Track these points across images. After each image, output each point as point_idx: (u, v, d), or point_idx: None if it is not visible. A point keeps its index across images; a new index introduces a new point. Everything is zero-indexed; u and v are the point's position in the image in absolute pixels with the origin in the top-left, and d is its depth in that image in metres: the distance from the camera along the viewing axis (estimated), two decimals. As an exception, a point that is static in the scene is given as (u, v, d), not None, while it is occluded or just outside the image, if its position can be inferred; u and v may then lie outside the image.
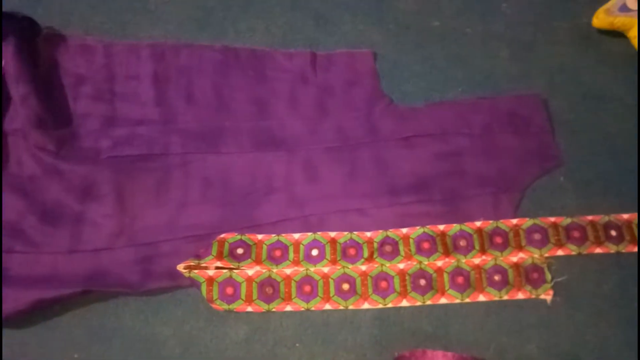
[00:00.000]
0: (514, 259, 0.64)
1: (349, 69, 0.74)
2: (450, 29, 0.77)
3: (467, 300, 0.62)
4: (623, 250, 0.64)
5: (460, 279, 0.62)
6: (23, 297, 0.58)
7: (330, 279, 0.62)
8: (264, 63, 0.75)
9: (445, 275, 0.62)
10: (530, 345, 0.60)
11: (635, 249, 0.64)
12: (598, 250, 0.64)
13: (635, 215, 0.65)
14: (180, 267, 0.61)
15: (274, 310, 0.61)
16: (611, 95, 0.72)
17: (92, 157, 0.67)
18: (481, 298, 0.62)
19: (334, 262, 0.63)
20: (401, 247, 0.64)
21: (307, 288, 0.62)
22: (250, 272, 0.63)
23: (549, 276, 0.62)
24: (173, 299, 0.62)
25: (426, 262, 0.63)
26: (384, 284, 0.62)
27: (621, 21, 0.72)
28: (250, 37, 0.77)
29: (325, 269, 0.63)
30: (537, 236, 0.64)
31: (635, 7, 0.72)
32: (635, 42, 0.73)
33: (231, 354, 0.60)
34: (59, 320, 0.61)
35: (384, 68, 0.75)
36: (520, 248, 0.64)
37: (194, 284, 0.61)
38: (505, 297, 0.62)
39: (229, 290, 0.61)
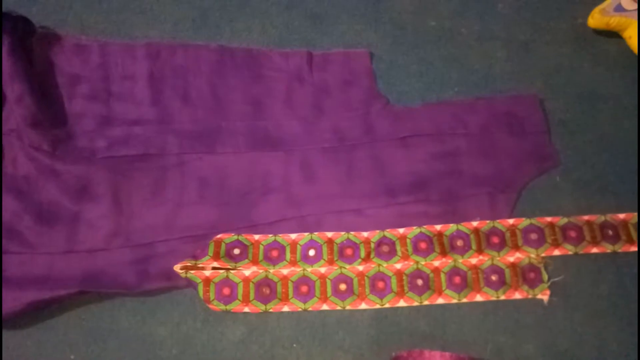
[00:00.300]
0: (511, 259, 0.64)
1: (345, 69, 0.74)
2: (447, 29, 0.77)
3: (464, 300, 0.62)
4: (619, 250, 0.64)
5: (457, 279, 0.62)
6: (19, 298, 0.58)
7: (327, 280, 0.62)
8: (260, 63, 0.74)
9: (442, 276, 0.63)
10: (528, 345, 0.60)
11: (632, 249, 0.64)
12: (594, 250, 0.64)
13: (632, 214, 0.65)
14: (177, 268, 0.61)
15: (271, 310, 0.61)
16: (607, 95, 0.72)
17: (88, 157, 0.67)
18: (478, 298, 0.62)
19: (331, 262, 0.63)
20: (398, 247, 0.64)
21: (304, 288, 0.62)
22: (247, 272, 0.62)
23: (545, 276, 0.63)
24: (170, 300, 0.62)
25: (423, 262, 0.63)
26: (381, 284, 0.62)
27: (616, 21, 0.73)
28: (246, 37, 0.76)
29: (323, 270, 0.63)
30: (533, 236, 0.64)
31: (631, 8, 0.72)
32: (630, 42, 0.74)
33: (228, 354, 0.60)
34: (55, 321, 0.60)
35: (380, 68, 0.75)
36: (517, 248, 0.64)
37: (190, 284, 0.61)
38: (502, 297, 0.62)
39: (226, 291, 0.61)
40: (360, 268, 0.63)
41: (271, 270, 0.63)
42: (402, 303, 0.61)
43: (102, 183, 0.66)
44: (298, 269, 0.63)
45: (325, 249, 0.63)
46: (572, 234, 0.64)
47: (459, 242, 0.64)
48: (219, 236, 0.64)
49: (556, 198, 0.67)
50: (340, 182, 0.67)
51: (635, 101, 0.72)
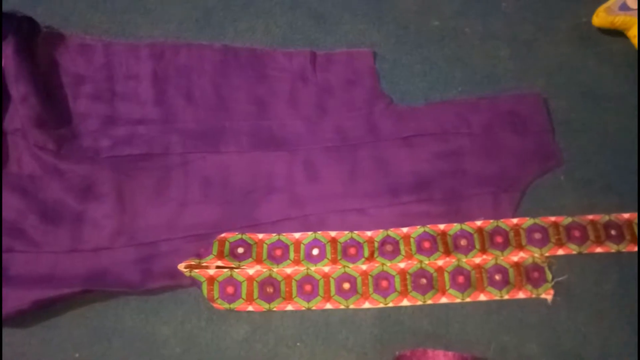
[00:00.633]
0: (515, 258, 0.64)
1: (348, 69, 0.74)
2: (450, 28, 0.77)
3: (468, 299, 0.62)
4: (623, 250, 0.64)
5: (460, 279, 0.62)
6: (23, 297, 0.58)
7: (330, 278, 0.62)
8: (264, 62, 0.75)
9: (446, 275, 0.62)
10: (531, 344, 0.60)
11: (636, 248, 0.64)
12: (598, 249, 0.64)
13: (636, 214, 0.65)
14: (181, 267, 0.61)
15: (274, 309, 0.61)
16: (611, 94, 0.72)
17: (92, 157, 0.67)
18: (482, 297, 0.62)
19: (334, 261, 0.63)
20: (402, 247, 0.64)
21: (308, 287, 0.62)
22: (250, 271, 0.62)
23: (549, 275, 0.62)
24: (173, 299, 0.62)
25: (427, 262, 0.63)
26: (384, 283, 0.62)
27: (621, 20, 0.72)
28: (250, 37, 0.76)
29: (326, 269, 0.63)
30: (537, 235, 0.64)
31: (636, 6, 0.72)
32: (635, 41, 0.73)
33: (232, 353, 0.60)
34: (59, 319, 0.61)
35: (383, 68, 0.75)
36: (520, 247, 0.64)
37: (194, 283, 0.61)
38: (506, 297, 0.62)
39: (230, 290, 0.61)
40: (364, 267, 0.63)
41: (275, 269, 0.63)
42: (405, 302, 0.61)
43: (107, 182, 0.66)
44: (302, 268, 0.63)
45: (328, 248, 0.64)
46: (576, 233, 0.64)
47: (463, 242, 0.64)
48: (222, 235, 0.64)
49: (560, 197, 0.67)
50: (344, 182, 0.67)
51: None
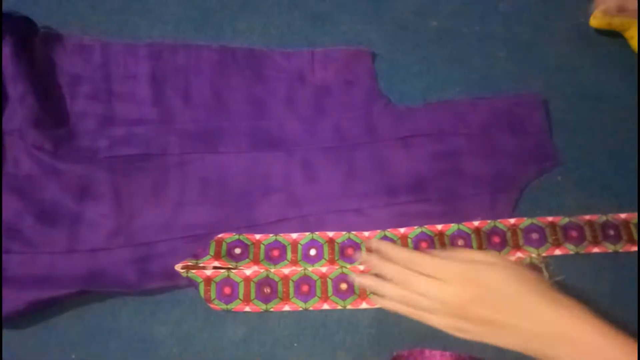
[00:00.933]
0: (512, 258, 0.64)
1: (346, 69, 0.74)
2: (448, 29, 0.77)
3: (466, 299, 0.62)
4: (621, 250, 0.64)
5: (458, 279, 0.62)
6: (20, 298, 0.58)
7: (328, 279, 0.62)
8: (262, 63, 0.75)
9: (444, 275, 0.62)
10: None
11: (633, 249, 0.64)
12: (596, 249, 0.64)
13: (633, 214, 0.65)
14: (178, 267, 0.61)
15: (272, 310, 0.61)
16: (609, 95, 0.72)
17: (90, 157, 0.67)
18: (479, 297, 0.62)
19: (332, 261, 0.63)
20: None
21: (305, 288, 0.62)
22: (248, 271, 0.62)
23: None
24: (171, 299, 0.62)
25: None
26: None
27: (619, 21, 0.73)
28: (248, 37, 0.76)
29: (324, 269, 0.63)
30: (534, 236, 0.64)
31: (633, 7, 0.72)
32: (632, 43, 0.73)
33: (229, 353, 0.60)
34: (56, 320, 0.61)
35: (381, 68, 0.75)
36: (518, 247, 0.64)
37: (191, 283, 0.61)
38: (504, 297, 0.62)
39: (227, 290, 0.61)
40: (362, 267, 0.63)
41: (272, 270, 0.63)
42: (403, 302, 0.61)
43: (104, 183, 0.66)
44: (299, 269, 0.63)
45: (326, 248, 0.64)
46: (574, 233, 0.64)
47: (460, 242, 0.64)
48: (220, 236, 0.64)
49: (557, 197, 0.67)
50: (342, 182, 0.67)
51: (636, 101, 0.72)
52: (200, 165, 0.68)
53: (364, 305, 0.61)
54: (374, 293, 0.53)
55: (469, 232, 0.64)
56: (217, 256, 0.62)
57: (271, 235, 0.64)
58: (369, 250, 0.58)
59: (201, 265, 0.62)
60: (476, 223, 0.65)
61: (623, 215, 0.65)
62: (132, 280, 0.61)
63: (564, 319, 0.45)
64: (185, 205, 0.66)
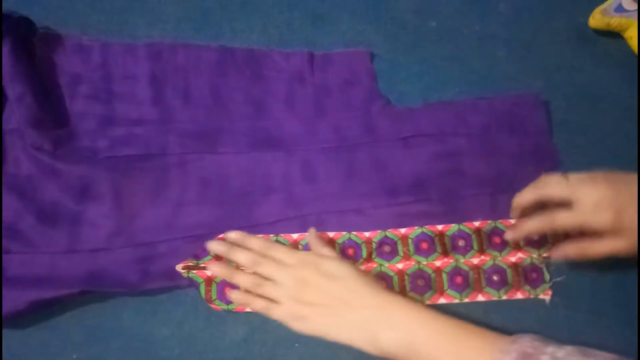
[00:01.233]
0: (513, 258, 0.64)
1: (346, 69, 0.74)
2: (448, 29, 0.77)
3: (466, 300, 0.62)
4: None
5: (459, 279, 0.62)
6: (21, 298, 0.58)
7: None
8: (261, 63, 0.74)
9: (444, 276, 0.63)
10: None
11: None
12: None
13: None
14: (179, 268, 0.61)
15: (272, 310, 0.61)
16: (609, 95, 0.72)
17: (90, 157, 0.67)
18: (480, 298, 0.62)
19: (332, 262, 0.63)
20: (400, 247, 0.64)
21: (306, 288, 0.62)
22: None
23: (547, 276, 0.63)
24: (172, 299, 0.62)
25: (425, 262, 0.63)
26: (382, 284, 0.62)
27: (617, 22, 0.73)
28: (247, 37, 0.76)
29: (324, 269, 0.63)
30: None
31: (631, 8, 0.72)
32: (631, 43, 0.74)
33: (230, 354, 0.60)
34: (57, 320, 0.61)
35: (381, 68, 0.75)
36: (518, 248, 0.64)
37: (192, 284, 0.61)
38: (504, 297, 0.62)
39: (228, 290, 0.61)
40: (362, 268, 0.63)
41: (273, 270, 0.63)
42: (403, 303, 0.61)
43: (104, 183, 0.66)
44: (300, 269, 0.63)
45: (326, 248, 0.64)
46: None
47: (461, 242, 0.64)
48: (220, 236, 0.64)
49: (558, 198, 0.67)
50: (341, 182, 0.67)
51: (636, 101, 0.72)
52: (200, 165, 0.68)
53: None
54: (228, 279, 0.59)
55: (470, 233, 0.64)
56: (217, 256, 0.62)
57: (271, 235, 0.64)
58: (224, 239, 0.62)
59: (202, 265, 0.62)
60: (477, 223, 0.65)
61: None
62: (132, 280, 0.61)
63: (388, 301, 0.52)
64: (186, 206, 0.66)
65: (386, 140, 0.70)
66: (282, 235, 0.64)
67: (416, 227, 0.65)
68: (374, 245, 0.64)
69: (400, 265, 0.63)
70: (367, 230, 0.65)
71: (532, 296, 0.62)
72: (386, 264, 0.63)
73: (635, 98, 0.72)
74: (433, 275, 0.62)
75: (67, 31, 0.74)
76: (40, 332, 0.60)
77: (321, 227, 0.65)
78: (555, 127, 0.71)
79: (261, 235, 0.64)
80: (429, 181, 0.67)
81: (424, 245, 0.64)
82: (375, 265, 0.63)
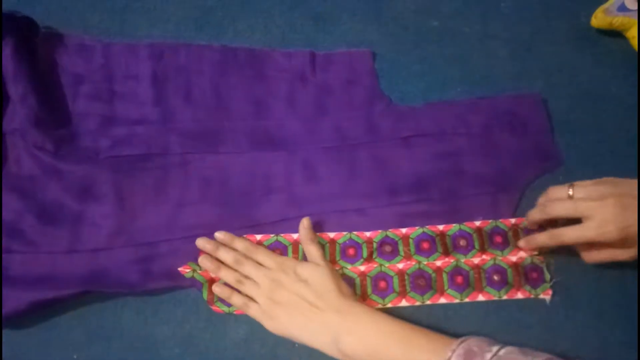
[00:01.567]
0: (514, 258, 0.64)
1: (347, 69, 0.74)
2: (449, 28, 0.77)
3: (467, 300, 0.62)
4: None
5: (459, 279, 0.62)
6: (22, 298, 0.58)
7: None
8: (263, 63, 0.75)
9: (445, 275, 0.63)
10: (530, 345, 0.59)
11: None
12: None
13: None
14: (182, 269, 0.61)
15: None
16: (610, 94, 0.72)
17: (91, 157, 0.67)
18: (480, 298, 0.62)
19: (333, 262, 0.63)
20: (400, 247, 0.64)
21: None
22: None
23: (547, 276, 0.62)
24: (173, 299, 0.62)
25: (425, 262, 0.63)
26: (383, 284, 0.62)
27: (620, 21, 0.73)
28: (249, 37, 0.76)
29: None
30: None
31: (634, 7, 0.72)
32: (633, 42, 0.73)
33: (231, 354, 0.60)
34: (57, 320, 0.61)
35: (382, 68, 0.75)
36: (519, 248, 0.64)
37: (193, 284, 0.61)
38: (505, 297, 0.62)
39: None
40: (362, 268, 0.63)
41: (273, 270, 0.63)
42: (404, 303, 0.61)
43: (105, 182, 0.66)
44: (300, 269, 0.63)
45: (327, 248, 0.64)
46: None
47: (462, 242, 0.64)
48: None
49: (558, 198, 0.67)
50: (343, 182, 0.67)
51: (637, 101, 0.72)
52: (201, 165, 0.68)
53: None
54: (213, 273, 0.61)
55: (471, 232, 0.64)
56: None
57: (272, 235, 0.64)
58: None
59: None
60: (477, 223, 0.65)
61: None
62: (133, 280, 0.61)
63: (351, 307, 0.56)
64: (187, 205, 0.66)
65: (387, 139, 0.70)
66: (282, 235, 0.64)
67: (417, 227, 0.65)
68: (374, 245, 0.64)
69: (400, 265, 0.63)
70: (368, 230, 0.65)
71: (532, 296, 0.62)
72: (387, 264, 0.63)
73: (636, 97, 0.72)
74: (434, 275, 0.62)
75: (69, 31, 0.74)
76: (40, 332, 0.60)
77: (322, 226, 0.65)
78: (556, 126, 0.71)
79: (259, 236, 0.64)
80: (430, 181, 0.67)
81: (425, 245, 0.64)
82: (375, 265, 0.63)
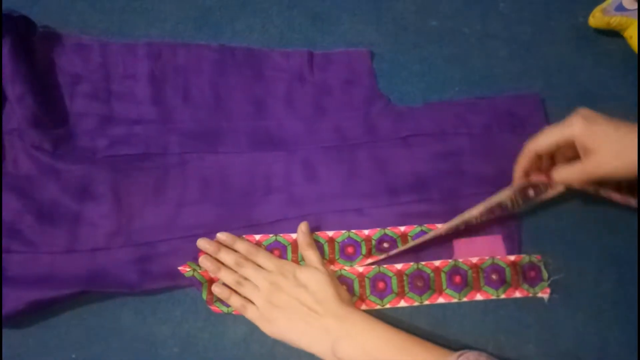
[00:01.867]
0: (511, 257, 0.64)
1: (346, 69, 0.74)
2: (448, 28, 0.77)
3: (465, 299, 0.62)
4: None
5: (457, 279, 0.62)
6: (20, 297, 0.58)
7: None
8: (261, 62, 0.75)
9: (443, 275, 0.63)
10: (529, 344, 0.60)
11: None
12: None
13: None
14: (182, 269, 0.61)
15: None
16: (609, 94, 0.72)
17: (89, 157, 0.67)
18: (478, 297, 0.62)
19: (332, 261, 0.63)
20: (399, 245, 0.63)
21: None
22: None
23: (545, 274, 0.63)
24: (172, 299, 0.62)
25: (424, 262, 0.63)
26: (381, 285, 0.62)
27: (617, 21, 0.73)
28: (247, 36, 0.76)
29: (324, 269, 0.63)
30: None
31: (632, 7, 0.72)
32: (631, 42, 0.74)
33: (230, 353, 0.60)
34: (56, 320, 0.61)
35: (381, 68, 0.75)
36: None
37: (192, 283, 0.61)
38: (503, 296, 0.62)
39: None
40: (360, 269, 0.63)
41: (273, 270, 0.63)
42: (402, 303, 0.61)
43: (104, 182, 0.66)
44: (300, 269, 0.63)
45: (326, 248, 0.64)
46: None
47: None
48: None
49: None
50: (342, 182, 0.67)
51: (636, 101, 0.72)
52: (200, 165, 0.68)
53: (363, 307, 0.61)
54: (213, 273, 0.61)
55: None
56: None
57: (271, 235, 0.64)
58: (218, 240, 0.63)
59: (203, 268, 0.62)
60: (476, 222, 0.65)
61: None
62: (132, 280, 0.61)
63: (350, 314, 0.56)
64: (185, 205, 0.66)
65: (386, 139, 0.70)
66: (281, 235, 0.64)
67: (416, 226, 0.65)
68: (373, 243, 0.64)
69: (398, 266, 0.63)
70: (367, 229, 0.65)
71: (530, 295, 0.62)
72: (384, 264, 0.63)
73: (636, 97, 0.72)
74: (432, 275, 0.62)
75: (66, 30, 0.74)
76: (40, 332, 0.60)
77: (321, 226, 0.65)
78: (556, 126, 0.71)
79: (259, 236, 0.64)
80: (429, 181, 0.67)
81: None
82: (374, 267, 0.63)
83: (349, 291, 0.62)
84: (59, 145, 0.67)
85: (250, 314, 0.59)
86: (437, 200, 0.66)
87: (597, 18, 0.74)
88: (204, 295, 0.61)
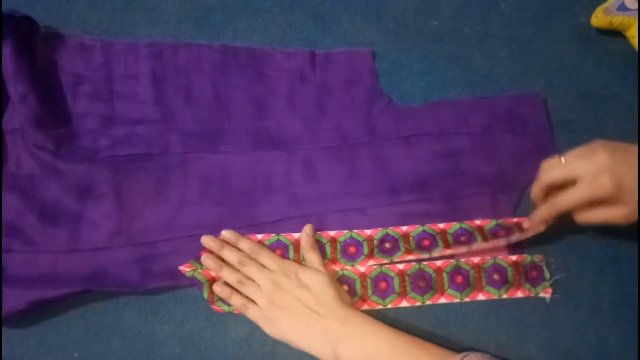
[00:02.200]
0: (513, 257, 0.64)
1: (347, 68, 0.74)
2: (449, 28, 0.77)
3: (467, 299, 0.62)
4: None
5: (459, 279, 0.62)
6: (22, 297, 0.58)
7: (330, 278, 0.62)
8: (263, 62, 0.75)
9: (445, 275, 0.63)
10: (530, 344, 0.60)
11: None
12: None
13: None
14: (182, 268, 0.61)
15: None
16: (610, 94, 0.72)
17: (91, 157, 0.67)
18: (480, 297, 0.62)
19: (334, 261, 0.63)
20: (401, 244, 0.63)
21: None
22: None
23: (547, 274, 0.63)
24: (173, 298, 0.62)
25: (425, 262, 0.63)
26: (383, 285, 0.62)
27: (619, 20, 0.73)
28: (249, 36, 0.76)
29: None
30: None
31: (634, 7, 0.72)
32: (633, 42, 0.73)
33: (231, 352, 0.60)
34: (58, 319, 0.61)
35: (382, 67, 0.75)
36: (523, 230, 0.63)
37: (193, 283, 0.61)
38: (505, 296, 0.62)
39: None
40: (362, 269, 0.63)
41: (274, 270, 0.63)
42: (404, 303, 0.61)
43: (105, 182, 0.66)
44: (301, 268, 0.63)
45: (328, 247, 0.64)
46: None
47: (463, 239, 0.64)
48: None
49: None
50: (343, 181, 0.67)
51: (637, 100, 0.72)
52: (201, 165, 0.68)
53: (365, 307, 0.61)
54: (215, 272, 0.61)
55: (472, 230, 0.64)
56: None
57: (273, 235, 0.64)
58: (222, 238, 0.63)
59: (205, 266, 0.62)
60: (478, 222, 0.65)
61: None
62: (134, 280, 0.61)
63: (351, 316, 0.56)
64: (187, 205, 0.66)
65: (387, 139, 0.70)
66: (283, 234, 0.64)
67: (417, 226, 0.65)
68: (375, 243, 0.64)
69: (400, 266, 0.63)
70: (369, 229, 0.65)
71: (532, 294, 0.62)
72: (387, 259, 0.63)
73: (636, 97, 0.72)
74: (434, 275, 0.62)
75: (68, 31, 0.74)
76: (41, 331, 0.60)
77: (323, 226, 0.65)
78: (556, 126, 0.71)
79: (260, 236, 0.64)
80: (430, 180, 0.67)
81: (426, 243, 0.64)
82: (375, 266, 0.63)
83: (351, 291, 0.62)
84: (61, 145, 0.67)
85: (252, 313, 0.59)
86: (437, 200, 0.66)
87: (599, 18, 0.74)
88: (205, 295, 0.61)
